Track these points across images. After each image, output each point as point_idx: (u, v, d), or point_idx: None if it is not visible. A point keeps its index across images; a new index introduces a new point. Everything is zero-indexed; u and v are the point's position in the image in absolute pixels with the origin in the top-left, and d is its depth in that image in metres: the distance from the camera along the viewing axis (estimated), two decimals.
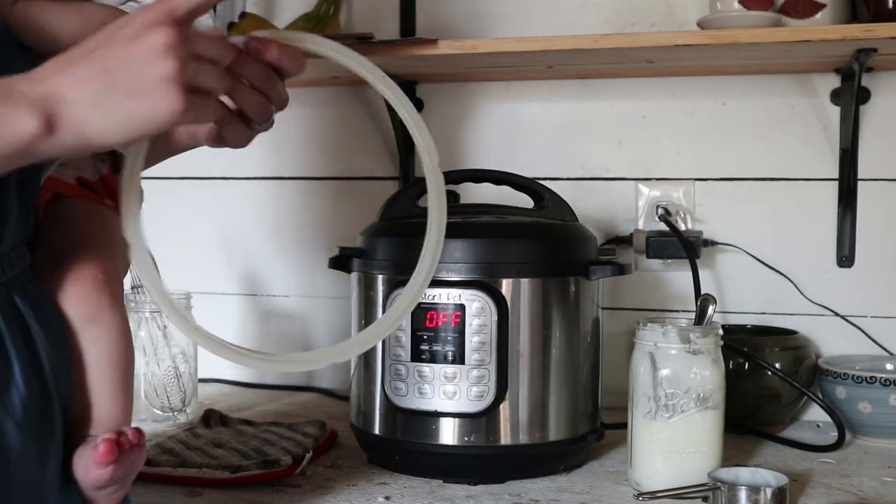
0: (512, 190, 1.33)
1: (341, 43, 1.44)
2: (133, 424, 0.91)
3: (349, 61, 0.84)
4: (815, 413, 1.47)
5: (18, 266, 0.84)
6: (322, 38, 0.83)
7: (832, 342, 1.52)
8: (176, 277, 1.54)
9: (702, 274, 1.42)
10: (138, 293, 1.46)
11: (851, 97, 1.45)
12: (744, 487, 1.03)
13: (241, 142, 0.84)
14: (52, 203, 0.95)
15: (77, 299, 0.89)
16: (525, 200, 1.31)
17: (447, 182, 1.32)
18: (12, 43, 0.85)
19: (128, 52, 0.68)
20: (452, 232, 1.17)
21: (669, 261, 1.56)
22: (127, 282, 1.45)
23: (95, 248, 0.94)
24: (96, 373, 0.89)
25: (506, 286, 1.15)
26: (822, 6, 1.38)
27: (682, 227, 1.53)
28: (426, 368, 1.15)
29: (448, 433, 1.16)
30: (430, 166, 0.86)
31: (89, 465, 0.82)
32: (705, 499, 1.06)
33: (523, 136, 1.64)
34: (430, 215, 0.87)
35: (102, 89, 0.68)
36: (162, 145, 1.03)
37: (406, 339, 1.16)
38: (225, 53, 0.75)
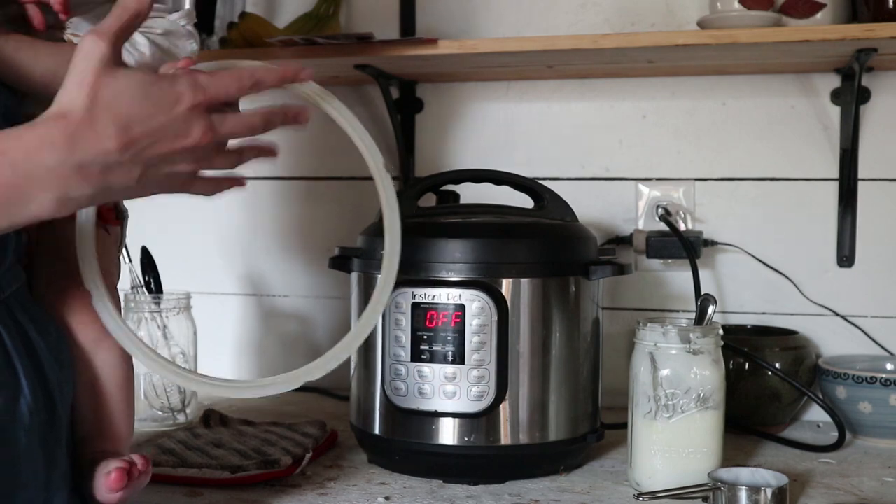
0: (512, 190, 1.33)
1: (342, 42, 1.45)
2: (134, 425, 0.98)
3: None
4: (816, 413, 1.47)
5: (16, 284, 0.86)
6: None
7: (832, 342, 1.52)
8: (176, 277, 1.54)
9: (702, 274, 1.42)
10: (138, 293, 1.47)
11: (851, 97, 1.45)
12: (744, 487, 1.03)
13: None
14: (43, 224, 0.95)
15: (83, 326, 0.93)
16: (525, 200, 1.31)
17: (447, 182, 1.34)
18: None
19: (167, 152, 0.73)
20: (452, 232, 1.18)
21: (669, 261, 1.56)
22: (127, 282, 1.45)
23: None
24: (104, 394, 0.94)
25: (506, 286, 1.15)
26: (822, 6, 1.38)
27: (682, 227, 1.53)
28: (426, 368, 1.15)
29: (448, 433, 1.16)
30: (376, 168, 0.89)
31: (101, 489, 0.88)
32: (705, 499, 1.06)
33: (523, 136, 1.64)
34: (385, 221, 0.91)
35: (133, 184, 0.73)
36: None
37: (406, 339, 1.16)
38: (246, 132, 0.79)
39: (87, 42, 0.73)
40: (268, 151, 0.83)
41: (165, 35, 1.02)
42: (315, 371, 0.90)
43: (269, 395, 0.92)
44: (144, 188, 0.74)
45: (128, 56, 0.97)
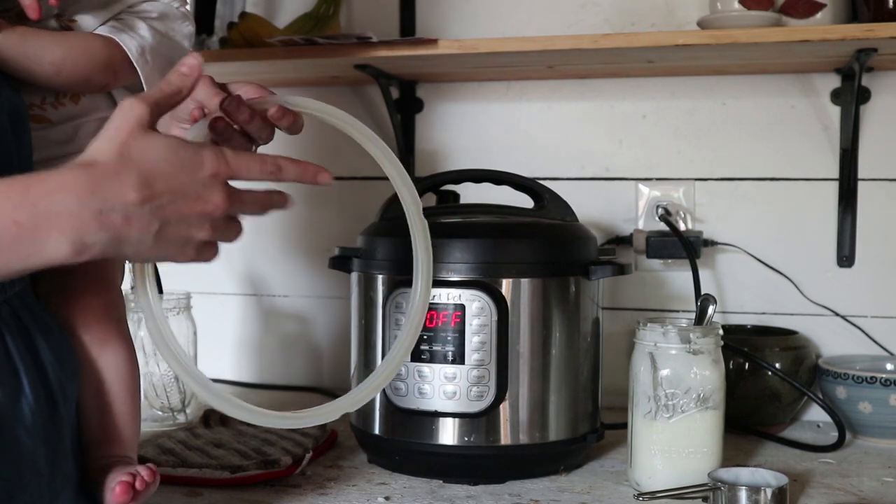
0: (512, 190, 1.33)
1: (342, 42, 1.45)
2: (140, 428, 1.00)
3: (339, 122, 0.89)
4: (816, 413, 1.47)
5: (19, 285, 0.86)
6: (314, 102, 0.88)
7: (832, 342, 1.52)
8: (176, 277, 1.54)
9: (702, 274, 1.42)
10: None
11: (851, 97, 1.45)
12: (744, 487, 1.03)
13: None
14: None
15: (87, 328, 0.94)
16: (525, 200, 1.31)
17: (447, 182, 1.34)
18: None
19: (185, 214, 0.74)
20: (452, 232, 1.18)
21: (669, 261, 1.56)
22: (127, 281, 1.45)
23: (101, 277, 0.98)
24: (109, 398, 0.95)
25: (506, 286, 1.15)
26: (822, 6, 1.38)
27: (682, 227, 1.53)
28: (426, 368, 1.15)
29: (448, 433, 1.16)
30: (415, 215, 0.91)
31: (108, 501, 0.89)
32: (705, 499, 1.06)
33: (523, 136, 1.64)
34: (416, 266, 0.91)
35: (149, 239, 0.74)
36: None
37: None
38: (259, 210, 0.82)
39: (126, 103, 0.75)
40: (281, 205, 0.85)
41: (161, 19, 1.02)
42: (343, 407, 0.90)
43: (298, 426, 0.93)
44: (159, 246, 0.75)
45: (130, 40, 0.97)
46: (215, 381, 1.71)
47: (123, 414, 0.97)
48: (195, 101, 0.94)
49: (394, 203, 1.26)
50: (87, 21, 0.98)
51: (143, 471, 0.91)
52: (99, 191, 0.70)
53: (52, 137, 0.97)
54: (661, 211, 1.54)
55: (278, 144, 0.91)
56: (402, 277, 1.16)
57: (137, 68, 0.98)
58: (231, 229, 0.79)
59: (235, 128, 0.87)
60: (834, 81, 1.52)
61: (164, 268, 1.51)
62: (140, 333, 1.43)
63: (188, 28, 1.05)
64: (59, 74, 0.94)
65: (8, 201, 0.69)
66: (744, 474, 1.07)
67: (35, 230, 0.69)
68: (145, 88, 0.99)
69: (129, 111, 0.75)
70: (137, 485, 0.89)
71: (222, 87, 0.94)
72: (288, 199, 0.83)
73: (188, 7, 1.07)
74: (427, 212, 1.27)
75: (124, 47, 0.97)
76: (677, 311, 1.54)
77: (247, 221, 0.81)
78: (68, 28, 0.96)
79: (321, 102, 0.88)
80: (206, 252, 0.78)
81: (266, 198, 0.81)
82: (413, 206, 0.90)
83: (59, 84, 0.96)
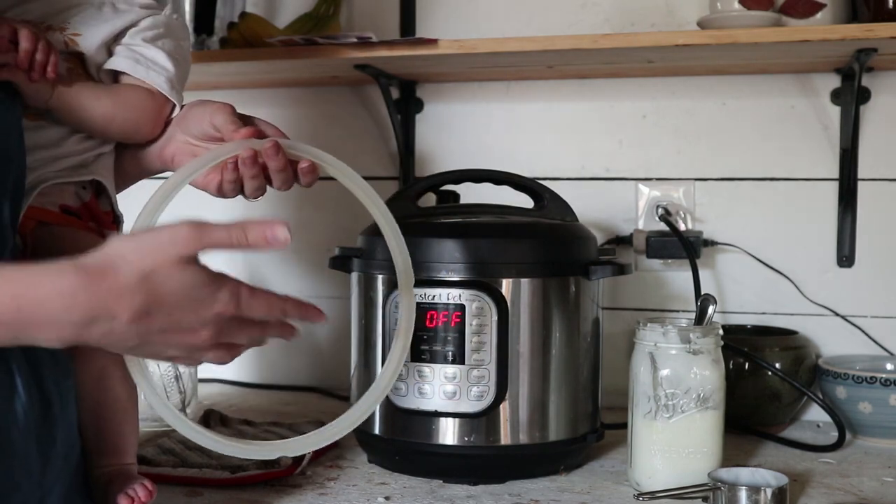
0: (512, 190, 1.33)
1: (342, 42, 1.45)
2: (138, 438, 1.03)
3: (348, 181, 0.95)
4: (816, 413, 1.47)
5: None
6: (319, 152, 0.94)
7: (832, 342, 1.52)
8: None
9: (702, 274, 1.42)
10: None
11: (851, 97, 1.45)
12: (744, 487, 1.03)
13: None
14: (37, 231, 0.97)
15: (95, 351, 0.92)
16: (525, 200, 1.31)
17: (447, 182, 1.34)
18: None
19: (168, 340, 0.77)
20: (452, 232, 1.18)
21: (669, 261, 1.56)
22: None
23: None
24: (106, 409, 0.97)
25: (506, 286, 1.15)
26: (822, 6, 1.38)
27: (682, 227, 1.53)
28: (426, 368, 1.15)
29: (448, 433, 1.16)
30: (405, 286, 0.94)
31: None
32: (705, 499, 1.06)
33: (523, 136, 1.64)
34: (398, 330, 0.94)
35: (126, 351, 0.79)
36: (133, 168, 1.07)
37: None
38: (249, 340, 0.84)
39: (184, 231, 0.76)
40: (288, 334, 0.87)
41: (167, 35, 1.03)
42: (326, 437, 0.93)
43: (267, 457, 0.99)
44: (131, 352, 0.79)
45: (158, 77, 1.01)
46: (215, 381, 1.73)
47: (121, 424, 0.98)
48: (213, 126, 0.97)
49: (394, 203, 1.26)
50: (89, 36, 0.99)
51: (140, 491, 0.93)
52: (89, 307, 0.72)
53: (42, 141, 0.97)
54: (661, 211, 1.54)
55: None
56: None
57: (174, 102, 1.02)
58: (215, 353, 0.81)
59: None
60: (834, 81, 1.52)
61: None
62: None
63: (189, 37, 1.08)
64: (110, 126, 0.99)
65: None
66: (744, 474, 1.07)
67: (16, 329, 0.71)
68: (178, 105, 1.04)
69: (183, 240, 0.76)
70: (142, 499, 0.93)
71: (245, 118, 0.96)
72: (294, 332, 0.86)
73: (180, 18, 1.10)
74: (427, 212, 1.28)
75: (160, 90, 1.01)
76: (677, 311, 1.54)
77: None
78: (72, 41, 0.98)
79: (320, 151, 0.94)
80: (182, 362, 0.84)
81: (258, 334, 0.83)
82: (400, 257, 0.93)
83: (112, 134, 1.01)
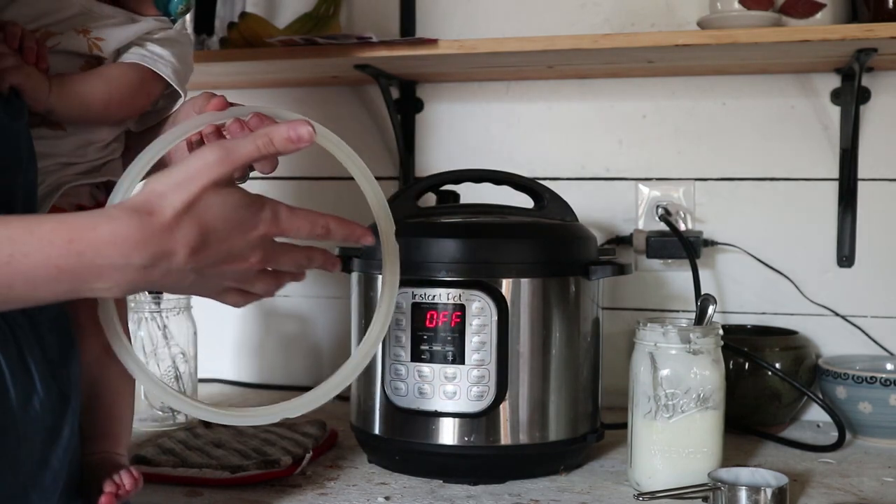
0: (512, 190, 1.33)
1: (342, 42, 1.45)
2: (133, 425, 1.02)
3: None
4: (815, 413, 1.47)
5: None
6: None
7: (832, 342, 1.52)
8: None
9: (702, 274, 1.42)
10: (137, 294, 1.46)
11: (851, 97, 1.45)
12: (744, 487, 1.03)
13: None
14: None
15: (85, 327, 0.94)
16: (525, 200, 1.31)
17: (447, 182, 1.34)
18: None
19: (221, 269, 0.77)
20: (452, 232, 1.18)
21: (669, 261, 1.56)
22: None
23: None
24: (103, 397, 0.97)
25: (506, 286, 1.15)
26: (822, 6, 1.38)
27: (682, 227, 1.53)
28: (426, 368, 1.15)
29: (448, 433, 1.16)
30: (387, 233, 0.92)
31: None
32: (705, 499, 1.06)
33: (523, 136, 1.64)
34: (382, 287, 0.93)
35: (180, 288, 0.78)
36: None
37: (406, 339, 1.16)
38: (296, 265, 0.84)
39: (213, 155, 0.76)
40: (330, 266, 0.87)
41: (177, 44, 1.06)
42: (306, 404, 0.91)
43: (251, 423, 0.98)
44: (188, 290, 0.78)
45: (161, 65, 1.01)
46: (215, 381, 1.73)
47: (116, 411, 0.98)
48: (196, 113, 0.97)
49: (394, 203, 1.26)
50: (111, 41, 1.01)
51: (125, 478, 0.93)
52: (149, 247, 0.72)
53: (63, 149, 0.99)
54: (661, 211, 1.54)
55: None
56: (402, 277, 1.16)
57: (173, 84, 1.03)
58: (265, 282, 0.81)
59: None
60: (834, 81, 1.52)
61: None
62: (140, 333, 1.44)
63: (190, 39, 1.10)
64: (109, 107, 0.99)
65: (51, 247, 0.69)
66: (744, 474, 1.07)
67: (76, 277, 0.70)
68: (183, 94, 1.04)
69: (212, 164, 0.75)
70: (120, 492, 0.92)
71: (233, 106, 0.96)
72: (337, 263, 0.87)
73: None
74: (427, 212, 1.28)
75: (154, 69, 1.01)
76: (677, 311, 1.54)
77: None
78: (96, 45, 1.00)
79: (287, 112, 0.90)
80: (232, 298, 0.81)
81: (304, 259, 0.83)
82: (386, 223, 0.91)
83: (111, 116, 1.01)
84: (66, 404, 0.86)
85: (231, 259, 0.77)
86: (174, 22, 1.08)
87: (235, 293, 0.82)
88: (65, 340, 0.88)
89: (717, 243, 1.55)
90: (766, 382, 1.39)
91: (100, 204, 1.04)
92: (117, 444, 0.98)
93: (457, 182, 1.36)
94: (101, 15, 1.00)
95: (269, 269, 0.81)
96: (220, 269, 0.77)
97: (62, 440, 0.86)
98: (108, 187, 1.05)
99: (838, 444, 1.32)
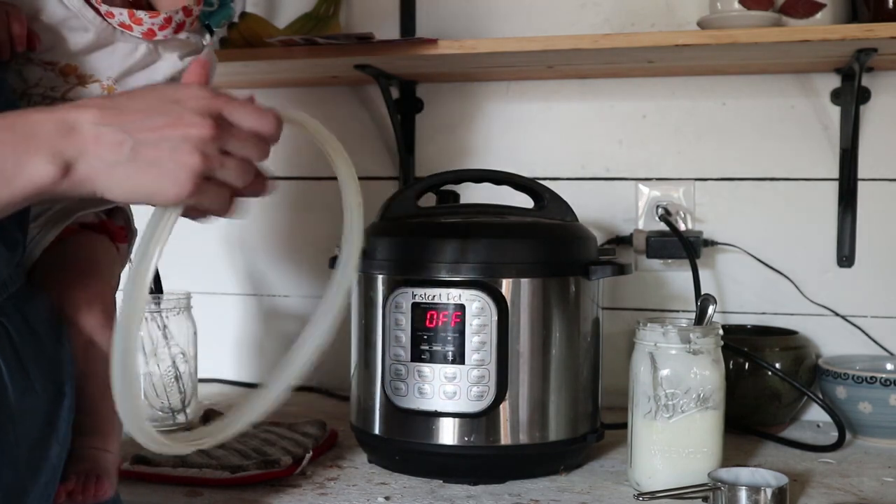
0: (512, 190, 1.33)
1: (342, 42, 1.45)
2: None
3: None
4: (816, 413, 1.47)
5: (20, 281, 0.88)
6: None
7: (832, 342, 1.52)
8: (177, 277, 1.54)
9: (702, 274, 1.42)
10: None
11: (851, 97, 1.45)
12: (744, 487, 1.03)
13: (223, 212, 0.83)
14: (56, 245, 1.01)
15: (78, 322, 0.95)
16: (525, 200, 1.31)
17: (447, 182, 1.34)
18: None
19: (161, 132, 0.71)
20: (452, 232, 1.18)
21: (669, 261, 1.56)
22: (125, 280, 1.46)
23: (98, 275, 1.01)
24: (95, 392, 0.95)
25: (506, 286, 1.15)
26: (822, 6, 1.38)
27: (682, 227, 1.53)
28: (426, 368, 1.15)
29: (448, 433, 1.16)
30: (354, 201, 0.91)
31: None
32: (705, 499, 1.06)
33: (523, 136, 1.64)
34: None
35: (124, 159, 0.70)
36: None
37: (406, 339, 1.16)
38: (258, 151, 0.79)
39: (199, 90, 0.75)
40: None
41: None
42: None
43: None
44: (143, 170, 0.71)
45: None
46: (215, 381, 1.73)
47: (103, 408, 0.96)
48: None
49: (394, 203, 1.26)
50: (125, 85, 1.02)
51: (92, 483, 0.92)
52: (70, 114, 0.70)
53: None
54: (661, 211, 1.54)
55: (283, 141, 0.91)
56: (402, 277, 1.16)
57: None
58: (240, 170, 0.76)
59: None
60: (834, 81, 1.52)
61: (165, 268, 1.51)
62: (140, 333, 1.43)
63: (206, 38, 1.12)
64: None
65: None
66: (744, 474, 1.07)
67: (14, 151, 0.68)
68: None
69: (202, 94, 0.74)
70: (83, 496, 0.91)
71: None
72: (271, 186, 0.82)
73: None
74: (427, 212, 1.28)
75: None
76: (677, 311, 1.54)
77: (248, 221, 0.82)
78: (111, 88, 1.01)
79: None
80: (209, 192, 0.74)
81: (262, 149, 0.78)
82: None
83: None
84: (60, 398, 0.86)
85: (163, 118, 0.71)
86: (212, 34, 1.07)
87: (213, 187, 0.75)
88: (56, 334, 0.89)
89: (717, 243, 1.55)
90: (766, 382, 1.39)
91: (104, 223, 1.06)
92: (105, 440, 0.97)
93: (457, 182, 1.36)
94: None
95: (235, 157, 0.76)
96: (156, 131, 0.70)
97: (59, 434, 0.86)
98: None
99: (838, 444, 1.32)
